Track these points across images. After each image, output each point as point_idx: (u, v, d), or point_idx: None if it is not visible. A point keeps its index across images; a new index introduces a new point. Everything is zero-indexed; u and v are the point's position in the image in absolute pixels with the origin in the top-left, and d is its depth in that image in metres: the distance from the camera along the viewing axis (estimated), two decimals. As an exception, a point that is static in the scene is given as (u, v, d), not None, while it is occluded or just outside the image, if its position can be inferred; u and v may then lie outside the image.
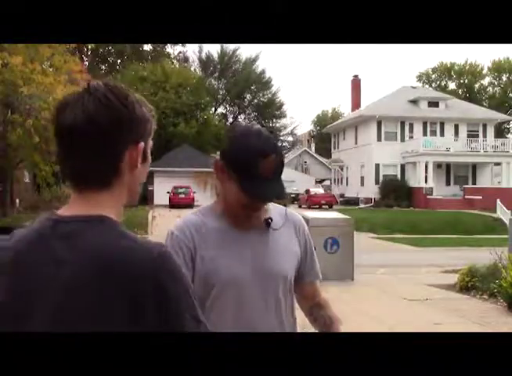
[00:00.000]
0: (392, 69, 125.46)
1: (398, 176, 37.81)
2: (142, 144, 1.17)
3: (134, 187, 1.21)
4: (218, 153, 1.74)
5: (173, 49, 52.81)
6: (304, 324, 2.00)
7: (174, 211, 25.71)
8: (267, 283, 1.75)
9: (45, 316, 1.08)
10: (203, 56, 54.96)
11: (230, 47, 53.06)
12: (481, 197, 31.99)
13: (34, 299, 1.09)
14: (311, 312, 1.95)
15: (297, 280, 1.86)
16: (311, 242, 1.94)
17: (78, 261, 1.07)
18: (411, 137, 38.15)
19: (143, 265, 1.06)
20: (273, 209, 1.84)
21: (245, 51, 74.63)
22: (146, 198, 36.42)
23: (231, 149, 1.68)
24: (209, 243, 1.73)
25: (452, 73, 64.26)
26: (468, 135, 38.36)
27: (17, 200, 26.68)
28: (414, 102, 40.21)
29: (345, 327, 1.91)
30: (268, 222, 1.77)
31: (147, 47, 50.05)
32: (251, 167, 1.62)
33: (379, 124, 38.33)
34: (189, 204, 32.49)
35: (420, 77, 65.59)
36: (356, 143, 41.25)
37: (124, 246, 1.08)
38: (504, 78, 63.25)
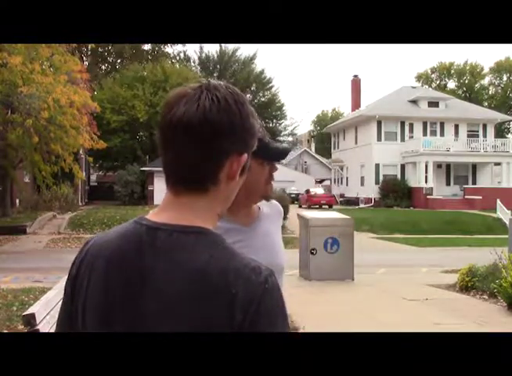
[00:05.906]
0: (392, 69, 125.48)
1: (398, 176, 37.80)
2: (245, 156, 1.10)
3: (226, 199, 1.13)
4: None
5: (173, 49, 52.81)
6: (304, 324, 1.99)
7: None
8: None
9: (130, 329, 1.03)
10: (203, 56, 54.95)
11: (229, 47, 53.11)
12: (481, 197, 32.02)
13: (124, 310, 1.04)
14: None
15: None
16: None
17: (176, 275, 1.02)
18: (411, 137, 38.15)
19: (249, 288, 1.00)
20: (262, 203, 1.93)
21: (244, 51, 74.69)
22: (146, 198, 36.41)
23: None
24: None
25: (452, 73, 64.25)
26: (468, 135, 38.38)
27: (17, 200, 26.70)
28: (414, 102, 40.21)
29: (345, 326, 1.91)
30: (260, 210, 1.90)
31: (147, 47, 50.03)
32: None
33: (379, 124, 38.33)
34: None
35: (419, 78, 65.58)
36: (356, 143, 41.24)
37: (228, 265, 1.02)
38: (504, 78, 63.26)
